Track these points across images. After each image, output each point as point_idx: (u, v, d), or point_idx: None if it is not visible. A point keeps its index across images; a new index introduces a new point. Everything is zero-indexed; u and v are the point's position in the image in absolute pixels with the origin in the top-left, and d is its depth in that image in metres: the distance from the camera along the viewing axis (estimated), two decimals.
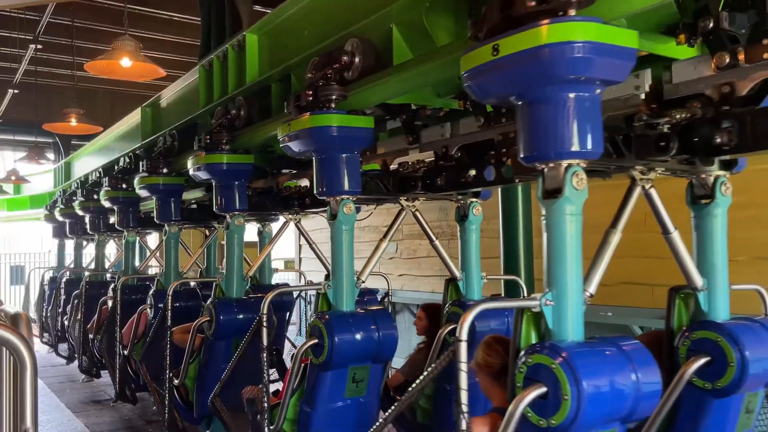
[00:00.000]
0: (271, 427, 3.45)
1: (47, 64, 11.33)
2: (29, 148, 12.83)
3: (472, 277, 3.97)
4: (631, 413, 2.04)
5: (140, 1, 8.59)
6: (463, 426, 2.03)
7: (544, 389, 1.94)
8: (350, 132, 3.21)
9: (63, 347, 9.37)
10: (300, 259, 11.71)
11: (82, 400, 7.62)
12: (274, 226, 6.50)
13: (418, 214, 4.00)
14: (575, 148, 1.97)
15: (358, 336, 3.28)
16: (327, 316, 3.30)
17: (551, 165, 2.07)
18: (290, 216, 5.24)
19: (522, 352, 2.06)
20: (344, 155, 3.29)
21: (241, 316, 4.62)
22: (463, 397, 2.01)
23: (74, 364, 8.80)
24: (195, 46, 8.67)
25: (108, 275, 8.51)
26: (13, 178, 12.01)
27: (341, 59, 3.12)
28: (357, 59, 3.11)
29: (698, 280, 2.68)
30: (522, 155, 2.10)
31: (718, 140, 2.33)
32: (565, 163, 2.04)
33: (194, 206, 6.61)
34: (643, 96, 2.44)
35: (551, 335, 2.09)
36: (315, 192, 3.44)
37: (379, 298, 5.58)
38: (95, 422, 6.63)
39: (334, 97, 3.13)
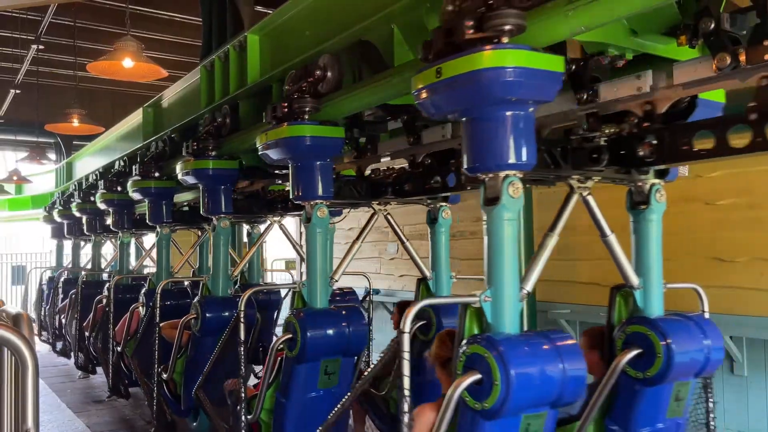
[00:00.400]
0: (248, 417, 3.76)
1: (49, 65, 11.33)
2: (31, 149, 12.85)
3: (441, 277, 4.37)
4: (559, 398, 2.27)
5: (142, 2, 8.59)
6: (405, 408, 2.31)
7: (478, 376, 2.17)
8: (322, 141, 3.52)
9: (59, 345, 9.50)
10: (301, 260, 11.71)
11: (83, 400, 7.63)
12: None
13: (389, 217, 4.37)
14: (511, 160, 2.21)
15: (329, 331, 3.59)
16: (301, 313, 3.61)
17: (491, 176, 2.30)
18: (274, 218, 5.53)
19: (463, 343, 2.29)
20: (317, 162, 3.61)
21: (226, 314, 4.79)
22: (406, 382, 2.29)
23: (72, 362, 8.87)
24: (196, 47, 8.68)
25: (105, 275, 8.63)
26: (15, 178, 12.01)
27: (314, 73, 3.38)
28: (329, 74, 3.38)
29: (634, 279, 2.92)
30: (465, 167, 2.34)
31: (641, 153, 2.65)
32: (502, 174, 2.27)
33: (186, 208, 6.80)
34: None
35: (490, 328, 2.31)
36: (291, 197, 3.73)
37: (360, 297, 5.70)
38: (96, 422, 6.64)
39: (307, 108, 3.41)
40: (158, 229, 6.24)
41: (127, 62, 6.04)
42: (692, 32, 2.22)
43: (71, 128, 9.14)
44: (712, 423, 3.06)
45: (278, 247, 15.58)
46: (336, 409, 3.20)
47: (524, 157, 2.23)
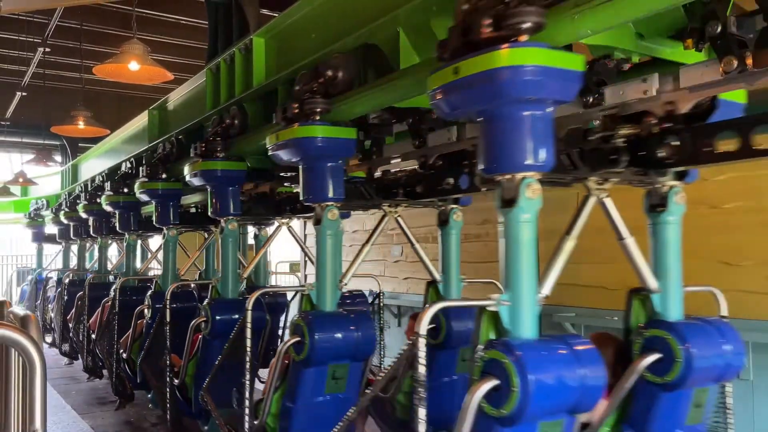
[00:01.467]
0: (255, 422, 3.69)
1: (55, 67, 11.38)
2: (37, 151, 12.89)
3: (452, 280, 4.20)
4: (577, 406, 2.22)
5: (147, 5, 8.62)
6: (421, 415, 2.27)
7: (496, 382, 2.11)
8: (334, 142, 3.43)
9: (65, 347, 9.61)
10: (305, 263, 11.72)
11: (88, 402, 7.64)
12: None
13: (400, 219, 4.27)
14: (529, 161, 2.16)
15: (337, 335, 3.48)
16: (309, 316, 3.52)
17: (507, 177, 2.24)
18: (282, 220, 5.48)
19: (479, 348, 2.24)
20: (328, 164, 3.52)
21: (236, 316, 4.72)
22: (422, 389, 2.27)
23: (78, 364, 8.92)
24: (202, 49, 8.70)
25: (111, 277, 8.68)
26: (20, 180, 12.06)
27: (326, 74, 3.31)
28: (340, 74, 3.30)
29: (653, 283, 2.86)
30: (482, 167, 2.29)
31: (661, 154, 2.56)
32: (520, 175, 2.22)
33: (193, 210, 6.84)
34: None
35: (507, 333, 2.26)
36: (301, 198, 3.66)
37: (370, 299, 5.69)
38: (101, 423, 6.65)
39: (318, 109, 3.34)
40: (165, 231, 6.21)
41: (133, 65, 6.06)
42: (699, 36, 2.22)
43: (77, 130, 9.17)
44: (731, 429, 3.06)
45: (282, 249, 15.60)
46: (346, 415, 3.17)
47: (542, 158, 2.18)
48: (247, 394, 3.74)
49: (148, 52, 6.09)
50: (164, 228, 6.16)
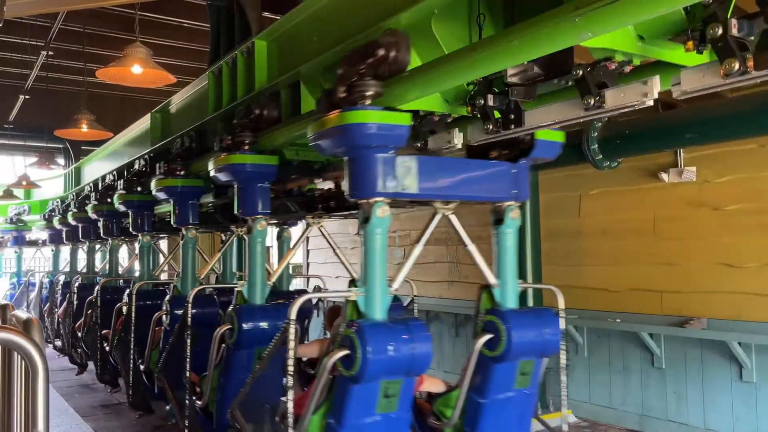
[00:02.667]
0: None
1: (58, 71, 11.42)
2: (40, 153, 12.92)
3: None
4: (410, 369, 3.13)
5: (150, 8, 8.64)
6: (290, 396, 3.19)
7: (347, 351, 2.98)
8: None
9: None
10: (308, 265, 11.73)
11: (91, 405, 7.65)
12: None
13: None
14: (379, 190, 3.05)
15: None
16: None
17: (363, 201, 3.09)
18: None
19: (341, 326, 3.10)
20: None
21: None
22: (290, 369, 3.20)
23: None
24: (204, 52, 8.72)
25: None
26: (24, 183, 12.08)
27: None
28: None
29: (493, 279, 3.58)
30: (347, 194, 3.17)
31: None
32: (372, 200, 3.08)
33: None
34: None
35: (363, 316, 3.15)
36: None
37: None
38: (104, 426, 6.66)
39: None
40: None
41: (136, 68, 6.07)
42: (699, 38, 2.22)
43: (80, 134, 9.19)
44: (564, 396, 3.87)
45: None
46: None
47: (388, 187, 3.05)
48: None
49: (150, 56, 6.10)
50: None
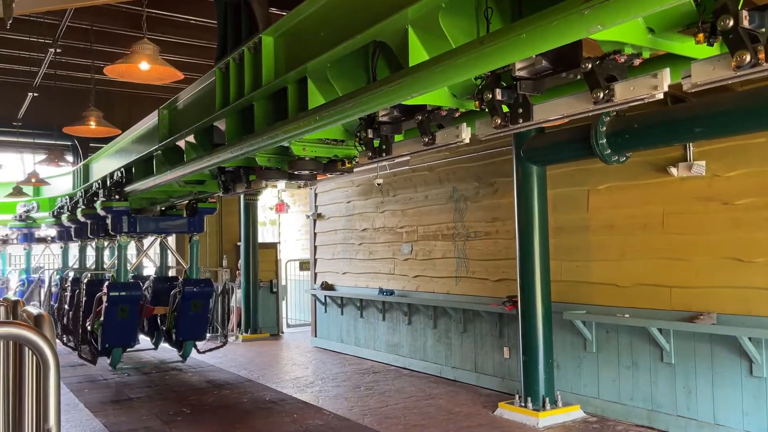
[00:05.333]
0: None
1: (66, 68, 11.46)
2: (49, 151, 12.98)
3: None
4: (131, 301, 8.79)
5: (157, 5, 8.65)
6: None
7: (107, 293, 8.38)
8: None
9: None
10: (315, 261, 11.75)
11: (101, 400, 7.70)
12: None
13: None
14: (124, 230, 8.68)
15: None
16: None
17: (119, 236, 8.33)
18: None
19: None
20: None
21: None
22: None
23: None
24: (212, 49, 8.71)
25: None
26: (33, 180, 12.15)
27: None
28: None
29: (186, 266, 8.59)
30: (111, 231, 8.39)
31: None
32: (122, 237, 8.69)
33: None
34: None
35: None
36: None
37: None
38: (114, 422, 6.70)
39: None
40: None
41: (144, 65, 6.07)
42: (710, 30, 2.20)
43: (89, 130, 9.22)
44: None
45: (292, 250, 15.65)
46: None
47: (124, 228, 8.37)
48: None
49: (158, 52, 6.10)
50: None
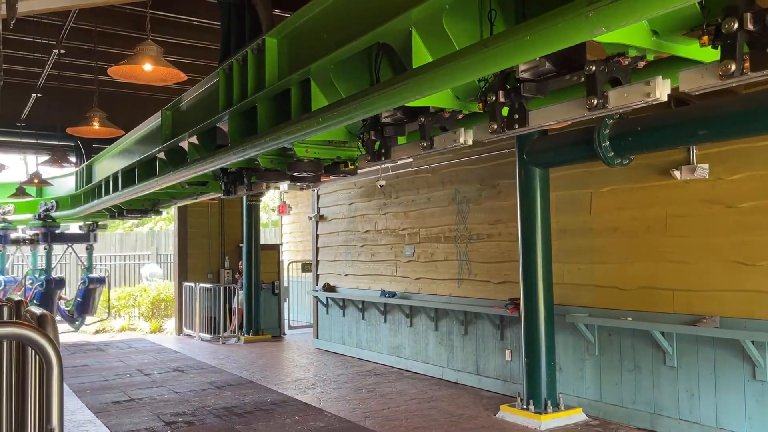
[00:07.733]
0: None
1: (70, 69, 11.48)
2: (52, 151, 13.00)
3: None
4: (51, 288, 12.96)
5: (161, 6, 8.66)
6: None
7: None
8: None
9: None
10: (317, 262, 11.75)
11: (103, 401, 7.71)
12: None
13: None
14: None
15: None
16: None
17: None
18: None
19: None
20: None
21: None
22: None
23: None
24: (215, 50, 8.74)
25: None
26: (36, 180, 12.17)
27: None
28: None
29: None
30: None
31: None
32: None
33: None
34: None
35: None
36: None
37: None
38: (116, 423, 6.70)
39: None
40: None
41: (147, 66, 6.08)
42: (715, 32, 2.19)
43: (92, 131, 9.23)
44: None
45: (293, 252, 15.65)
46: None
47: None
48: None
49: (161, 53, 6.11)
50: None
